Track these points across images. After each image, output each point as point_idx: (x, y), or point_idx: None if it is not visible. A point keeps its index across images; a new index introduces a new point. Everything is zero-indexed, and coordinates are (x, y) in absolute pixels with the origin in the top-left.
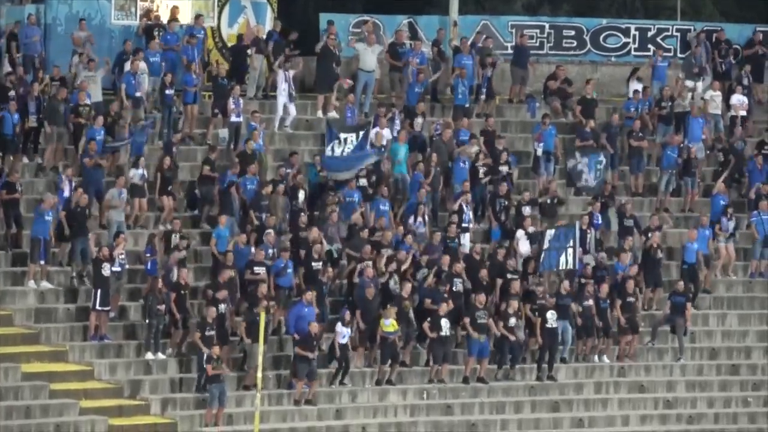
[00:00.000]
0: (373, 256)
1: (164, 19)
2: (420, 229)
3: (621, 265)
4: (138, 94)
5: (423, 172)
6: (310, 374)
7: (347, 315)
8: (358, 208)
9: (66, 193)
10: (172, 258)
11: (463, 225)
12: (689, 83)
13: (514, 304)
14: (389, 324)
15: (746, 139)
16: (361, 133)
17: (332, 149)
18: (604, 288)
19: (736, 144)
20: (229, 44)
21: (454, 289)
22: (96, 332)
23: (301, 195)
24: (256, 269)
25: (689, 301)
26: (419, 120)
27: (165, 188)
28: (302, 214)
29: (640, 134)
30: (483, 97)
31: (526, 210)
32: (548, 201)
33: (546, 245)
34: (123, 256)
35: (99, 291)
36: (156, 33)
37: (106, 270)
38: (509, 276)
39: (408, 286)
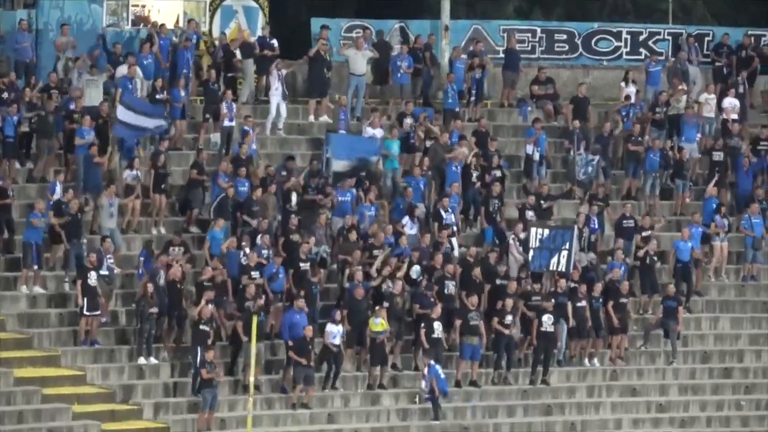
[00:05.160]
0: (364, 260)
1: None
2: (412, 230)
3: (616, 263)
4: None
5: (418, 174)
6: (307, 379)
7: (338, 314)
8: (350, 210)
9: (57, 196)
10: (159, 261)
11: (445, 224)
12: (683, 86)
13: (510, 302)
14: (378, 323)
15: (741, 142)
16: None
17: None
18: (598, 287)
19: (734, 143)
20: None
21: (446, 291)
22: (86, 337)
23: (294, 198)
24: (253, 274)
25: (680, 305)
26: (408, 120)
27: (158, 186)
28: (293, 216)
29: (639, 138)
30: (473, 99)
31: (529, 214)
32: (542, 203)
33: (537, 244)
34: (112, 261)
35: (86, 298)
36: (156, 36)
37: (92, 279)
38: (499, 282)
39: (399, 284)
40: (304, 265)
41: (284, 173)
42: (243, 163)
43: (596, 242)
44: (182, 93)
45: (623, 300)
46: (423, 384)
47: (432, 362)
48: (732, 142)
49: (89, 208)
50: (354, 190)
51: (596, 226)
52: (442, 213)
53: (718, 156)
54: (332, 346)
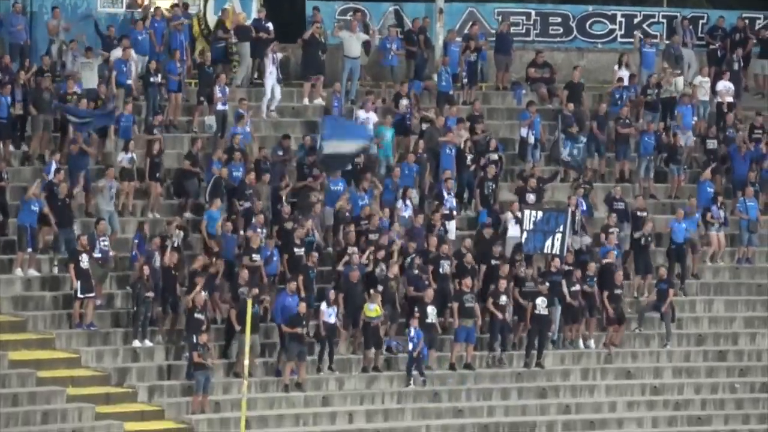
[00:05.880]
0: (361, 244)
1: (151, 7)
2: (407, 213)
3: (609, 245)
4: (129, 82)
5: (412, 161)
6: (300, 355)
7: (332, 294)
8: (343, 198)
9: (51, 176)
10: (153, 243)
11: (445, 211)
12: (677, 69)
13: (503, 283)
14: (373, 309)
15: (737, 126)
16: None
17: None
18: (592, 267)
19: (729, 133)
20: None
21: (440, 271)
22: (81, 320)
23: (284, 194)
24: (254, 257)
25: (672, 287)
26: (404, 102)
27: (153, 174)
28: (285, 204)
29: (627, 121)
30: (465, 81)
31: (530, 197)
32: (538, 185)
33: (530, 227)
34: (106, 243)
35: (79, 281)
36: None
37: (84, 262)
38: (494, 262)
39: (395, 268)
40: (299, 250)
41: (280, 152)
42: (237, 148)
43: (585, 224)
44: (177, 65)
45: (618, 291)
46: (395, 340)
47: (416, 327)
48: (728, 133)
49: (78, 190)
50: (345, 181)
51: (584, 208)
52: (445, 194)
53: (712, 144)
54: (327, 325)
